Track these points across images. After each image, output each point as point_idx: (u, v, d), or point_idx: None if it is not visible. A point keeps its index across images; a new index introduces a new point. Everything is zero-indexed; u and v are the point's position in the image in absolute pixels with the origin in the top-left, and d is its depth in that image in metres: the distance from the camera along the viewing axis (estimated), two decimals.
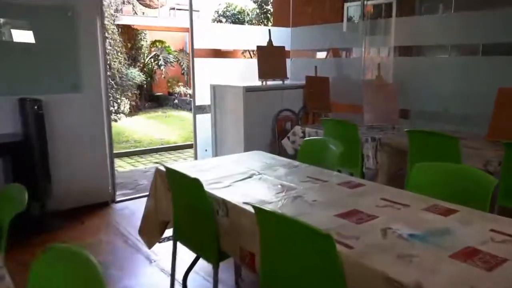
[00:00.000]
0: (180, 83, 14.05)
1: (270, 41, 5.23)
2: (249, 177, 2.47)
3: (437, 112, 4.64)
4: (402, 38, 4.81)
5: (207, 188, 2.16)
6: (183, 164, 2.81)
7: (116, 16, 11.40)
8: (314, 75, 5.21)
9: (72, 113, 4.14)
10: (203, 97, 5.12)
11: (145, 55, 14.31)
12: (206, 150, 5.32)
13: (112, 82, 10.98)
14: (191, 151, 7.59)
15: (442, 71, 4.47)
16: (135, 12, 13.12)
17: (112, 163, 4.61)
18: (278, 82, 5.16)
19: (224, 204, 2.06)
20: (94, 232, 3.80)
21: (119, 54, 11.68)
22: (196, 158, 5.21)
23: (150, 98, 14.37)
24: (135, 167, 6.62)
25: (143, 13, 13.95)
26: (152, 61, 13.98)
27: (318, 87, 5.20)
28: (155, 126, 10.15)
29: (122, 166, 6.73)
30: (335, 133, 4.05)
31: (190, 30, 4.88)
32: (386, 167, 3.85)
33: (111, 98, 10.75)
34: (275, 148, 4.98)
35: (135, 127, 9.88)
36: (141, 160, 7.10)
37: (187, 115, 12.10)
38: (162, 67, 12.85)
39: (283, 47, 5.33)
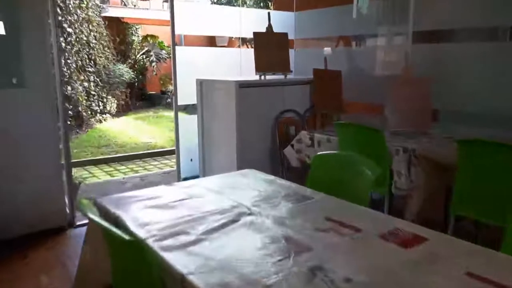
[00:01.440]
0: None
1: (269, 27, 4.30)
2: (234, 220, 1.55)
3: (475, 113, 3.70)
4: (430, 21, 3.86)
5: (159, 246, 1.25)
6: (145, 192, 1.88)
7: (102, 7, 10.47)
8: (323, 68, 4.27)
9: (13, 114, 3.21)
10: (188, 94, 4.19)
11: (137, 51, 13.37)
12: (191, 160, 4.39)
13: (98, 79, 10.05)
14: None
15: (482, 60, 3.54)
16: (125, 3, 12.19)
17: (69, 176, 3.68)
18: (279, 77, 4.22)
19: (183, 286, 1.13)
20: (36, 272, 2.87)
21: (105, 49, 10.75)
22: (178, 170, 4.27)
23: (141, 97, 13.42)
24: (111, 177, 5.68)
25: (135, 6, 13.01)
26: (144, 57, 13.03)
27: (329, 83, 4.26)
28: (143, 128, 9.21)
29: (96, 175, 5.80)
30: (353, 142, 3.13)
31: (171, 8, 3.96)
32: (423, 188, 2.92)
33: (96, 97, 9.84)
34: (276, 159, 4.05)
35: (121, 129, 8.94)
36: (121, 168, 6.16)
37: (180, 116, 11.16)
38: (153, 64, 11.91)
39: (286, 34, 4.39)
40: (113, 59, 11.25)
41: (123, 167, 6.24)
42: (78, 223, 3.68)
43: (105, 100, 10.20)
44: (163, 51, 12.87)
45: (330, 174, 2.02)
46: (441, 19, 3.81)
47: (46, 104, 3.35)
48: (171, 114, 11.61)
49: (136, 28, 13.40)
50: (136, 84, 12.36)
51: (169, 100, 12.60)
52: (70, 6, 8.61)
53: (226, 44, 9.87)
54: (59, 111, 3.56)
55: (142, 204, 1.72)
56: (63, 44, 8.26)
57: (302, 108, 4.22)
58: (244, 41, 9.63)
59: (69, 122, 8.42)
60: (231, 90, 3.73)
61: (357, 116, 4.24)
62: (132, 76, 11.09)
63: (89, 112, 9.53)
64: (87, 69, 9.55)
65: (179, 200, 1.77)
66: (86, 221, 3.79)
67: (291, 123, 4.14)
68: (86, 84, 9.40)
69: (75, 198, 4.53)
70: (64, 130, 3.61)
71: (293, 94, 4.17)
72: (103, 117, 9.89)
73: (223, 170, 4.03)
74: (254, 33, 4.20)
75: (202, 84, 4.13)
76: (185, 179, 4.38)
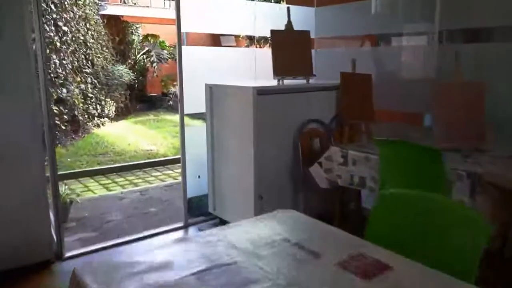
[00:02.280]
0: (175, 83, 12.53)
1: (289, 24, 3.73)
2: None
3: None
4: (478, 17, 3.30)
5: None
6: (147, 256, 1.29)
7: (100, 5, 9.90)
8: (351, 72, 3.71)
9: None
10: (195, 100, 3.63)
11: (137, 51, 12.80)
12: (199, 177, 3.82)
13: (95, 81, 9.48)
14: None
15: None
16: (124, 1, 11.62)
17: (56, 196, 3.11)
18: (299, 81, 3.66)
19: None
20: None
21: (104, 49, 10.18)
22: (185, 190, 3.69)
23: (142, 99, 12.85)
24: (108, 191, 5.12)
25: (135, 3, 12.45)
26: (144, 57, 12.47)
27: (358, 89, 3.70)
28: (144, 133, 8.65)
29: (92, 189, 5.23)
30: (400, 163, 2.57)
31: (176, 3, 3.40)
32: (490, 221, 2.35)
33: (93, 100, 9.27)
34: (299, 178, 3.48)
35: (120, 135, 8.37)
36: (119, 180, 5.59)
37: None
38: (154, 65, 11.34)
39: (308, 32, 3.83)
40: (112, 59, 10.68)
41: (122, 179, 5.67)
42: (68, 254, 3.13)
43: (103, 103, 9.63)
44: (165, 51, 12.31)
45: (409, 224, 1.45)
46: (491, 14, 3.25)
47: (27, 111, 2.78)
48: (173, 117, 11.10)
49: (136, 27, 12.83)
50: (136, 85, 11.80)
51: (171, 102, 12.05)
52: (65, 3, 8.04)
53: (233, 44, 9.30)
54: (44, 121, 2.99)
55: (140, 281, 1.15)
56: (58, 44, 7.70)
57: (326, 118, 3.65)
58: (253, 40, 9.02)
59: (63, 127, 7.87)
60: (247, 97, 3.17)
61: (391, 127, 3.67)
62: (132, 77, 10.52)
63: (86, 116, 8.97)
64: (84, 70, 8.98)
65: (197, 272, 1.20)
66: (79, 249, 3.24)
67: (315, 135, 3.57)
68: (83, 86, 8.84)
69: (66, 219, 3.98)
70: (50, 141, 3.04)
71: (317, 102, 3.60)
72: (101, 121, 9.32)
73: (236, 190, 3.46)
74: (272, 31, 3.63)
75: (212, 90, 3.56)
76: (192, 200, 3.82)
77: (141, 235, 3.48)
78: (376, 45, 4.48)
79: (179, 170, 6.21)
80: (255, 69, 4.02)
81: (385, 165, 2.62)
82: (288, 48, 3.68)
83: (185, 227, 3.69)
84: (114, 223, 3.95)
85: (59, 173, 5.38)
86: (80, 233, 3.71)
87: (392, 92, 3.75)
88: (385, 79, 3.81)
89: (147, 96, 13.23)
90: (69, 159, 6.25)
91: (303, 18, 4.18)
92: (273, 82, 3.53)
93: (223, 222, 3.68)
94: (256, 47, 8.12)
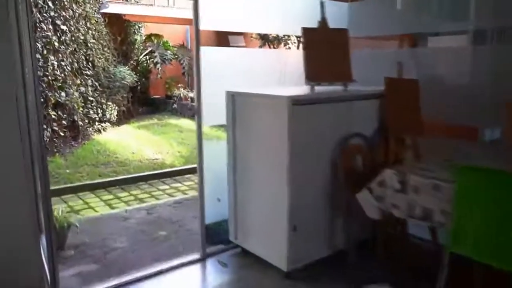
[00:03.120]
0: (180, 85, 11.99)
1: (324, 21, 3.19)
2: None
3: None
4: None
5: None
6: None
7: (102, 3, 9.36)
8: (397, 77, 3.17)
9: None
10: (215, 110, 3.09)
11: (139, 51, 12.26)
12: (219, 200, 3.28)
13: (96, 83, 8.94)
14: (195, 179, 5.53)
15: None
16: None
17: (49, 217, 2.56)
18: (334, 88, 3.12)
19: None
20: None
21: (105, 49, 9.64)
22: (202, 215, 3.14)
23: (145, 102, 12.30)
24: (111, 209, 4.58)
25: (137, 1, 11.89)
26: (147, 58, 11.92)
27: (405, 97, 3.16)
28: (148, 139, 8.10)
29: (92, 206, 4.69)
30: (488, 197, 2.02)
31: None
32: None
33: (94, 103, 8.73)
34: (339, 204, 2.94)
35: (122, 142, 7.83)
36: (123, 195, 5.05)
37: (187, 124, 10.06)
38: (158, 66, 10.79)
39: (346, 30, 3.28)
40: (114, 60, 10.14)
41: (126, 193, 5.13)
42: None
43: (104, 106, 9.08)
44: (168, 51, 11.76)
45: None
46: None
47: (12, 120, 2.24)
48: (178, 121, 10.53)
49: (139, 27, 12.29)
50: (138, 87, 11.24)
51: (175, 105, 11.50)
52: (64, 0, 7.50)
53: (243, 44, 8.75)
54: (33, 129, 2.45)
55: None
56: (57, 44, 7.15)
57: (367, 131, 3.11)
58: (266, 40, 8.44)
59: (62, 134, 7.33)
60: (280, 108, 2.62)
61: (442, 142, 3.12)
62: (135, 79, 9.98)
63: (86, 121, 8.43)
64: (84, 72, 8.44)
65: None
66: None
67: (356, 152, 3.03)
68: (83, 89, 8.29)
69: (63, 246, 3.45)
70: (41, 152, 2.48)
71: (358, 112, 3.05)
72: (102, 126, 8.78)
73: (264, 217, 2.92)
74: (304, 30, 3.08)
75: (234, 98, 3.01)
76: (210, 226, 3.27)
77: (150, 271, 2.93)
78: (416, 45, 3.94)
79: (188, 183, 5.74)
80: (282, 73, 3.48)
81: (463, 198, 2.08)
82: (323, 49, 3.14)
83: (203, 259, 3.14)
84: (119, 252, 3.40)
85: (56, 187, 4.90)
86: (79, 265, 3.16)
87: (439, 101, 3.20)
88: (431, 86, 3.26)
89: (150, 98, 12.68)
90: (68, 171, 5.71)
91: (335, 14, 3.63)
92: (304, 89, 3.00)
93: (245, 252, 3.15)
94: (269, 47, 7.55)
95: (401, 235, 3.18)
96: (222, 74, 3.13)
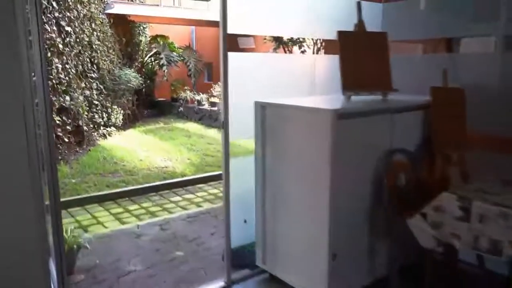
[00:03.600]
0: (186, 87, 11.70)
1: (361, 23, 2.89)
2: None
3: None
4: None
5: None
6: None
7: (107, 3, 9.07)
8: (443, 86, 2.87)
9: None
10: (240, 122, 2.79)
11: (144, 52, 11.97)
12: (245, 222, 2.98)
13: (101, 86, 8.66)
14: (208, 189, 5.25)
15: None
16: None
17: (59, 242, 2.27)
18: (373, 98, 2.82)
19: None
20: None
21: (110, 51, 9.35)
22: (228, 238, 2.84)
23: (150, 105, 12.03)
24: (121, 224, 4.29)
25: (142, 1, 11.61)
26: (152, 60, 11.63)
27: (451, 108, 2.86)
28: (155, 145, 7.81)
29: (102, 221, 4.39)
30: None
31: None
32: None
33: (99, 107, 8.44)
34: (384, 227, 2.63)
35: (129, 147, 7.53)
36: (133, 208, 4.76)
37: (195, 128, 9.78)
38: (164, 68, 10.50)
39: (384, 34, 2.98)
40: (119, 62, 9.85)
41: (136, 206, 4.83)
42: None
43: (109, 110, 8.80)
44: (174, 53, 11.47)
45: None
46: None
47: (16, 132, 1.94)
48: (185, 125, 10.21)
49: (144, 27, 12.01)
50: (143, 90, 10.96)
51: (181, 109, 11.22)
52: (69, 0, 7.20)
53: (253, 46, 8.45)
54: (43, 137, 2.16)
55: None
56: (61, 46, 6.87)
57: (410, 146, 2.81)
58: (280, 42, 8.08)
59: (67, 140, 7.04)
60: (322, 122, 2.32)
61: (490, 157, 2.82)
62: (140, 82, 9.69)
63: (91, 125, 8.14)
64: (89, 74, 8.16)
65: None
66: None
67: (399, 169, 2.72)
68: (87, 92, 8.01)
69: (73, 270, 3.15)
70: (51, 162, 2.18)
71: (401, 126, 2.75)
72: (107, 130, 8.49)
73: (298, 242, 2.62)
74: (340, 33, 2.78)
75: (265, 110, 2.71)
76: (234, 250, 2.97)
77: None
78: (451, 49, 3.65)
79: (202, 194, 5.42)
80: (311, 80, 3.19)
81: None
82: (361, 54, 2.84)
83: (228, 286, 2.84)
84: (133, 276, 3.10)
85: (63, 199, 4.59)
86: None
87: (485, 112, 2.90)
88: (477, 94, 2.96)
89: (155, 101, 12.42)
90: (73, 180, 5.42)
91: (368, 16, 3.34)
92: (339, 99, 2.70)
93: (274, 279, 2.84)
94: (285, 51, 7.25)
95: (450, 261, 2.88)
96: (248, 82, 2.83)
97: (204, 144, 7.88)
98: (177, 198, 5.11)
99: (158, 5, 9.93)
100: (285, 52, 7.11)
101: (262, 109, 2.73)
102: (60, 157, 6.51)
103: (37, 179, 2.09)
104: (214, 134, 8.99)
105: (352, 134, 2.44)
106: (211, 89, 10.26)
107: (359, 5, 2.90)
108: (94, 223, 4.33)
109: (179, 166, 6.30)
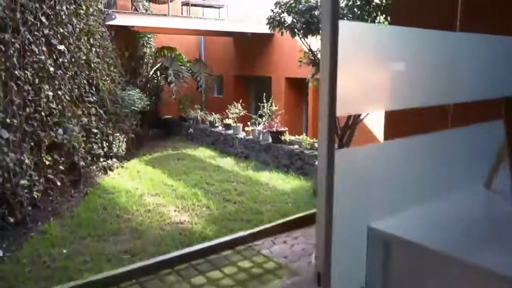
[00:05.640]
0: (197, 106, 10.49)
1: None
2: None
3: None
4: None
5: None
6: None
7: (107, 14, 7.87)
8: None
9: None
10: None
11: (149, 66, 10.76)
12: None
13: (101, 111, 7.45)
14: (237, 261, 3.98)
15: None
16: (136, 8, 9.57)
17: None
18: None
19: None
20: None
21: (111, 68, 8.14)
22: None
23: (155, 124, 10.82)
24: None
25: (146, 10, 10.40)
26: (158, 74, 10.43)
27: None
28: (166, 185, 6.59)
29: None
30: None
31: (332, 33, 1.35)
32: None
33: (98, 136, 7.23)
34: None
35: (134, 189, 6.32)
36: None
37: (208, 156, 8.57)
38: (172, 86, 9.28)
39: None
40: (121, 80, 8.64)
41: None
42: None
43: (110, 138, 7.59)
44: (182, 66, 10.24)
45: None
46: None
47: None
48: (196, 152, 8.83)
49: (148, 37, 10.80)
50: (148, 107, 9.73)
51: (191, 130, 10.00)
52: (62, 13, 6.00)
53: None
54: None
55: None
56: (52, 69, 5.66)
57: None
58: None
59: (59, 183, 5.83)
60: None
61: None
62: (146, 103, 8.49)
63: (90, 158, 6.94)
64: (86, 99, 6.95)
65: None
66: None
67: None
68: (85, 119, 6.81)
69: None
70: None
71: None
72: (108, 163, 7.28)
73: None
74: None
75: (390, 249, 1.50)
76: None
77: None
78: None
79: (230, 270, 4.11)
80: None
81: None
82: None
83: None
84: None
85: None
86: None
87: None
88: None
89: (161, 119, 11.21)
90: (64, 251, 4.21)
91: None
92: None
93: None
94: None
95: None
96: (360, 198, 1.62)
97: (222, 181, 6.68)
98: (200, 278, 3.89)
99: (166, 15, 8.72)
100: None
101: (384, 246, 1.51)
102: (50, 208, 5.31)
103: None
104: (231, 164, 7.78)
105: None
106: (227, 110, 9.04)
107: None
108: None
109: (197, 221, 5.08)
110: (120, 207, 5.48)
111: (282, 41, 9.42)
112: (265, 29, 9.95)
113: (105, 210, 5.37)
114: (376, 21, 4.85)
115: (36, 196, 5.08)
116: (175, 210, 5.42)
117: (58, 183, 5.73)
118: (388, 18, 4.84)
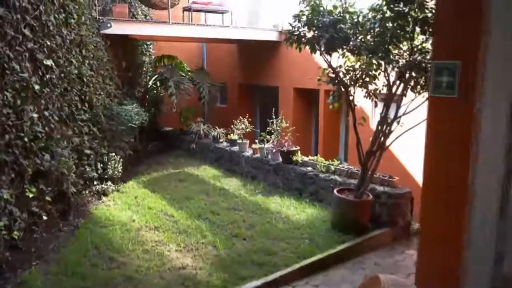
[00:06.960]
0: (199, 119, 9.82)
1: None
2: None
3: None
4: None
5: None
6: None
7: (102, 22, 7.20)
8: None
9: None
10: None
11: (148, 75, 10.10)
12: None
13: (95, 129, 6.79)
14: None
15: None
16: (134, 14, 8.90)
17: None
18: None
19: None
20: None
21: (106, 81, 7.48)
22: None
23: (154, 137, 10.16)
24: None
25: (145, 16, 9.73)
26: (158, 84, 9.76)
27: None
28: (166, 215, 5.93)
29: None
30: None
31: None
32: None
33: (92, 157, 6.57)
34: None
35: (130, 221, 5.66)
36: None
37: (212, 176, 7.91)
38: (173, 98, 8.61)
39: None
40: (118, 93, 7.98)
41: None
42: None
43: (105, 158, 6.92)
44: (183, 76, 9.56)
45: None
46: None
47: None
48: (199, 171, 7.97)
49: (148, 45, 10.14)
50: (147, 120, 9.06)
51: (193, 145, 9.33)
52: (49, 24, 5.33)
53: None
54: None
55: None
56: (37, 87, 5.00)
57: None
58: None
59: (45, 217, 5.15)
60: None
61: None
62: (144, 118, 7.81)
63: (82, 182, 6.28)
64: (78, 117, 6.29)
65: None
66: None
67: None
68: (76, 140, 6.15)
69: None
70: None
71: None
72: (102, 187, 6.61)
73: None
74: None
75: None
76: None
77: None
78: None
79: None
80: None
81: None
82: None
83: None
84: None
85: None
86: None
87: None
88: None
89: (160, 132, 10.54)
90: None
91: None
92: None
93: None
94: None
95: None
96: None
97: (229, 209, 6.02)
98: None
99: (166, 22, 8.05)
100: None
101: None
102: (33, 249, 4.63)
103: None
104: (238, 187, 7.12)
105: None
106: (232, 126, 8.37)
107: None
108: None
109: (201, 265, 4.42)
110: (114, 246, 4.81)
111: (290, 49, 8.76)
112: (272, 36, 9.37)
113: (97, 250, 4.70)
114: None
115: (16, 237, 4.42)
116: (176, 250, 4.75)
117: (44, 217, 5.06)
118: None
